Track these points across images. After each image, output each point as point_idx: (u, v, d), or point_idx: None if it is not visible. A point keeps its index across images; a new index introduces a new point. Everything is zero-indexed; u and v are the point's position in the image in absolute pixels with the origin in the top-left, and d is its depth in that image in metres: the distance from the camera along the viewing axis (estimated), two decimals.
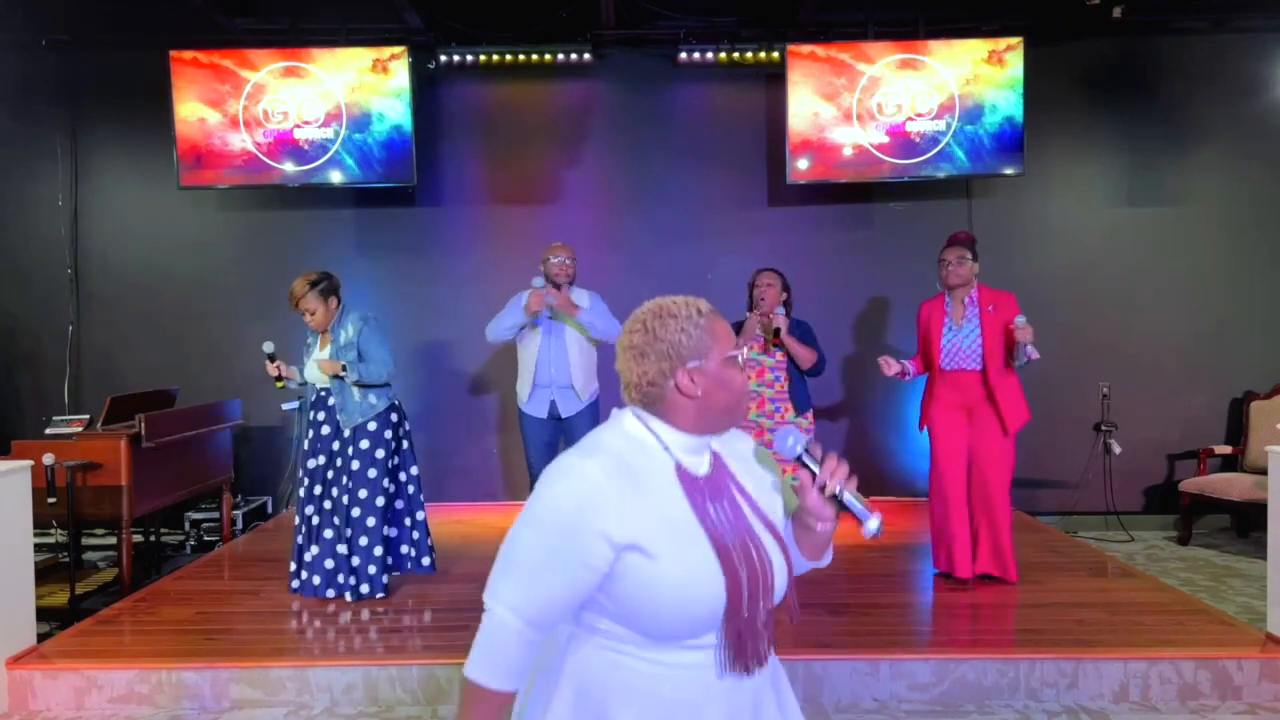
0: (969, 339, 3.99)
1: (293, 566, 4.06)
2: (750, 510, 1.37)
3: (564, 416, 4.15)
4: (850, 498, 1.35)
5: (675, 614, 1.25)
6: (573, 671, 1.32)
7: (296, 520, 4.06)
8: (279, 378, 4.01)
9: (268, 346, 4.03)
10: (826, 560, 1.47)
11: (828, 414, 5.92)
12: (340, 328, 3.97)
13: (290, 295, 3.93)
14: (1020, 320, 3.85)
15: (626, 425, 1.37)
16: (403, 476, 4.19)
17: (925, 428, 4.17)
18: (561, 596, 1.27)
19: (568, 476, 1.28)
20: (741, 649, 1.29)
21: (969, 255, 4.02)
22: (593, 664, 1.31)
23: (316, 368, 3.97)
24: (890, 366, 4.07)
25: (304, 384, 4.14)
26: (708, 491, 1.34)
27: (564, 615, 1.31)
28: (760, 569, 1.30)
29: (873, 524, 1.33)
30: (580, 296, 4.28)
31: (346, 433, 3.97)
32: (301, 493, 4.05)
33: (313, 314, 3.92)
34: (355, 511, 3.93)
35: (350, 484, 3.94)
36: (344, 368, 3.88)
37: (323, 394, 4.05)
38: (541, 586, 1.26)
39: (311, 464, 4.03)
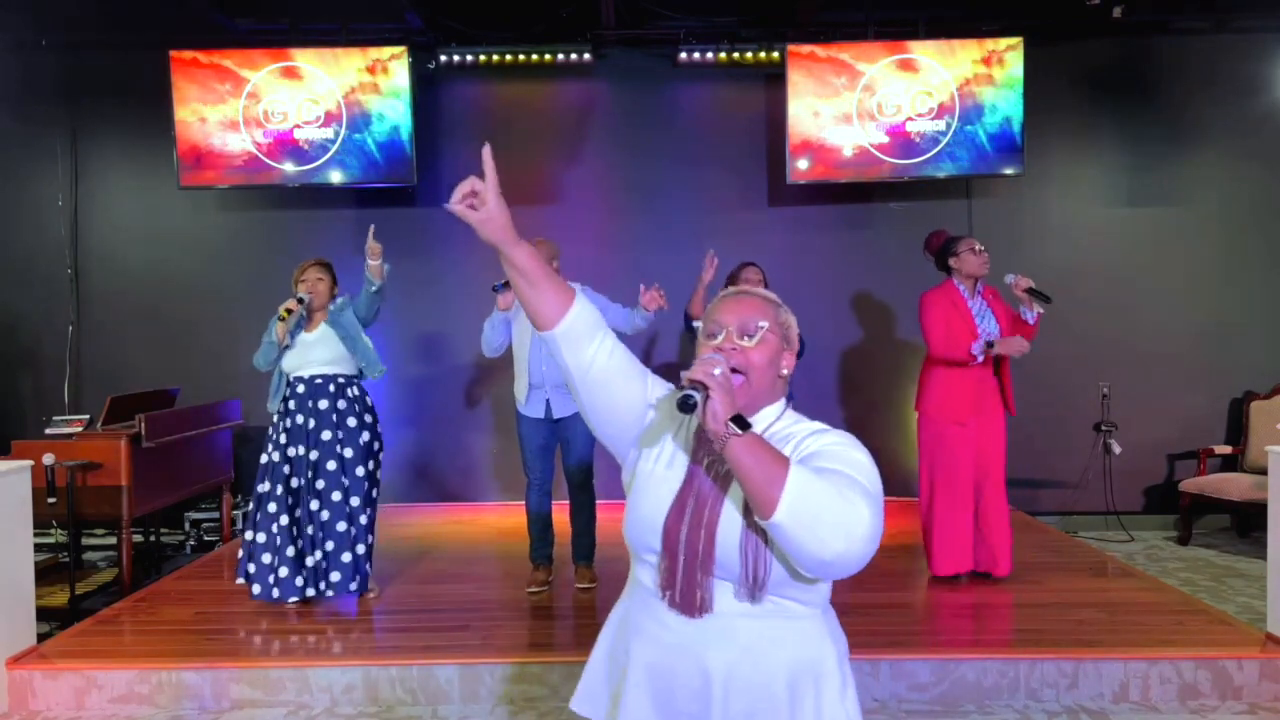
0: (993, 326, 4.07)
1: (262, 568, 3.79)
2: None
3: (558, 418, 4.13)
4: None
5: (635, 516, 1.44)
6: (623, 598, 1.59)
7: (269, 526, 3.80)
8: (290, 312, 3.83)
9: (306, 296, 3.96)
10: (771, 520, 1.23)
11: (823, 415, 5.91)
12: (338, 309, 4.03)
13: (300, 267, 4.04)
14: (1010, 276, 4.02)
15: None
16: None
17: (929, 417, 4.09)
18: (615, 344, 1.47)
19: None
20: (671, 578, 1.39)
21: None
22: (625, 589, 1.58)
23: (293, 340, 3.92)
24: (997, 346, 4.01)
25: (287, 346, 3.93)
26: (710, 451, 1.42)
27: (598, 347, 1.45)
28: (707, 519, 1.37)
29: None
30: None
31: (353, 422, 3.94)
32: (280, 491, 3.84)
33: (320, 280, 3.99)
34: (354, 502, 3.90)
35: (344, 477, 3.89)
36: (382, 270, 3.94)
37: (308, 383, 3.93)
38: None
39: (292, 452, 3.88)
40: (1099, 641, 3.36)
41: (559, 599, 4.04)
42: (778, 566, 1.34)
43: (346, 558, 3.85)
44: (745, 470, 1.25)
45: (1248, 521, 5.61)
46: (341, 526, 3.86)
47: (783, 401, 1.52)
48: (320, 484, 3.89)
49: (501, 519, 5.59)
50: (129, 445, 4.41)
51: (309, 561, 3.85)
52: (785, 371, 1.49)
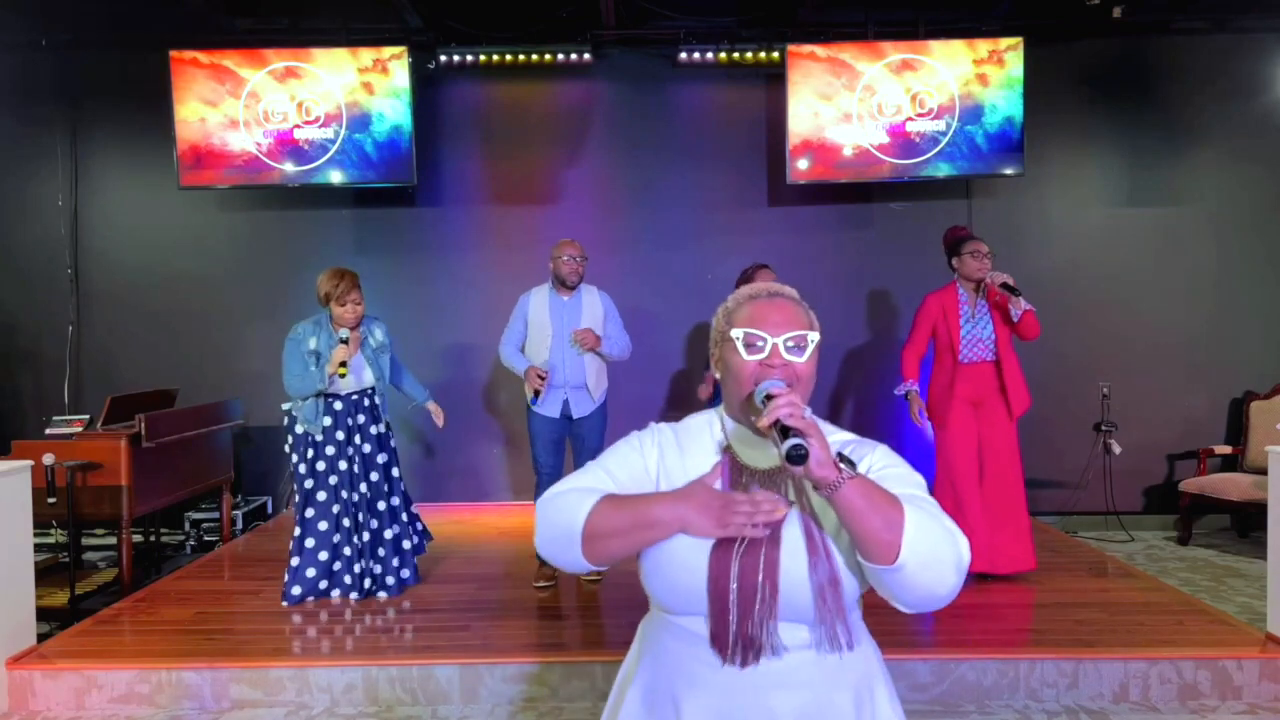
0: (986, 330, 4.08)
1: (326, 572, 3.99)
2: (798, 516, 1.31)
3: (575, 417, 4.20)
4: (787, 427, 1.17)
5: (667, 584, 1.31)
6: (641, 627, 1.48)
7: (326, 526, 3.96)
8: (345, 364, 3.84)
9: (344, 334, 3.89)
10: (895, 564, 1.19)
11: (827, 415, 5.92)
12: (370, 331, 4.08)
13: (338, 283, 3.83)
14: (990, 274, 4.05)
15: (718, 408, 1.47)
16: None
17: (934, 421, 4.21)
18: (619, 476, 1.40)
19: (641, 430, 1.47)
20: (725, 629, 1.27)
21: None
22: (649, 621, 1.45)
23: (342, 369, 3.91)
24: (913, 405, 4.18)
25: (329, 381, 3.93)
26: (749, 483, 1.34)
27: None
28: (765, 560, 1.27)
29: (784, 446, 1.13)
30: (591, 296, 4.30)
31: (382, 429, 4.11)
32: (334, 505, 3.98)
33: (358, 304, 3.92)
34: (395, 502, 4.13)
35: (386, 484, 4.10)
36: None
37: (345, 399, 4.00)
38: (606, 472, 1.42)
39: (344, 467, 3.99)
40: (1099, 641, 3.36)
41: (560, 600, 4.04)
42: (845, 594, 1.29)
43: (400, 558, 4.12)
44: (860, 514, 1.17)
45: (1248, 521, 5.61)
46: (389, 534, 4.09)
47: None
48: (367, 494, 4.04)
49: (502, 519, 5.59)
50: (129, 445, 4.41)
51: (365, 565, 4.04)
52: None
